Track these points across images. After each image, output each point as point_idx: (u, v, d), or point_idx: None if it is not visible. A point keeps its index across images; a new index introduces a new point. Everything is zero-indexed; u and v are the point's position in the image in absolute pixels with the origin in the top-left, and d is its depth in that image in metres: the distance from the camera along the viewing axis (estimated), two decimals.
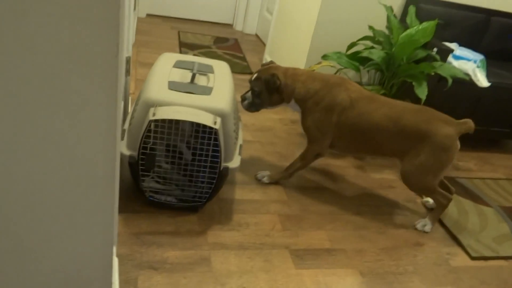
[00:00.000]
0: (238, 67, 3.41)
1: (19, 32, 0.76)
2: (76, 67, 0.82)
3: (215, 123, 1.56)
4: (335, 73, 2.53)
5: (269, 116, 2.74)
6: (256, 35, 4.44)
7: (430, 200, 2.16)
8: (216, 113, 1.60)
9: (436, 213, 2.01)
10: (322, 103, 1.91)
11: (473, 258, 1.88)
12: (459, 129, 1.84)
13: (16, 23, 0.75)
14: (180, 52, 3.48)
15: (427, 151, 1.84)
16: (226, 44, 3.93)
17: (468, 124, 1.86)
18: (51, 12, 0.75)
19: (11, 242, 1.00)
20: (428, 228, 1.99)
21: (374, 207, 2.08)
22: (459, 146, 1.86)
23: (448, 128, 1.84)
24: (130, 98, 2.33)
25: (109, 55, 0.83)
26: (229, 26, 4.52)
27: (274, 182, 2.09)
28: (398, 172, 2.41)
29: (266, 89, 1.95)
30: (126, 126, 1.72)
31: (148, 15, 4.28)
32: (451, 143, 1.83)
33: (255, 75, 2.00)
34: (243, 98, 2.04)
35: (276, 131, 2.57)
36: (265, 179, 2.07)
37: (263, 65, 2.07)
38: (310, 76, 1.97)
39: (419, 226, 2.00)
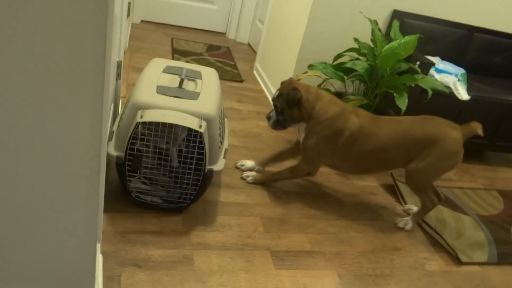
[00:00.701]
0: (229, 75, 3.48)
1: (8, 33, 0.82)
2: (63, 69, 0.88)
3: (200, 126, 1.62)
4: (321, 84, 2.61)
5: (257, 123, 2.81)
6: (248, 44, 4.53)
7: (413, 208, 2.23)
8: (202, 117, 1.66)
9: (419, 215, 2.10)
10: (334, 127, 1.97)
11: (448, 264, 1.95)
12: (465, 133, 1.96)
13: (4, 25, 0.81)
14: (173, 58, 3.55)
15: (435, 154, 1.93)
16: (218, 52, 4.00)
17: (472, 126, 1.96)
18: (39, 14, 0.82)
19: None
20: (409, 227, 2.08)
21: (355, 212, 2.14)
22: (463, 151, 1.97)
23: (455, 132, 1.94)
24: (120, 101, 2.39)
25: (96, 59, 0.90)
26: (222, 34, 4.61)
27: (258, 183, 2.15)
28: (389, 175, 2.49)
29: (287, 104, 1.98)
30: (115, 127, 1.77)
31: (143, 22, 4.35)
32: (459, 148, 1.94)
33: (277, 93, 2.04)
34: (268, 118, 2.08)
35: (263, 138, 2.64)
36: (250, 179, 2.14)
37: (282, 82, 2.12)
38: (331, 99, 2.02)
39: (401, 224, 2.09)
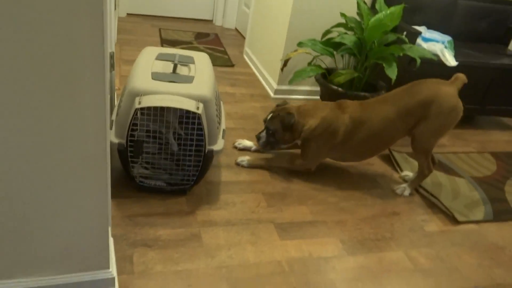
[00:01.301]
0: (220, 61, 3.51)
1: (15, 29, 0.86)
2: (68, 60, 0.92)
3: (197, 108, 1.67)
4: (311, 61, 2.65)
5: (251, 105, 2.85)
6: (236, 29, 4.54)
7: (409, 174, 2.30)
8: (198, 99, 1.71)
9: (416, 181, 2.17)
10: (326, 128, 2.04)
11: (446, 224, 2.02)
12: (456, 85, 2.01)
13: (12, 21, 0.85)
14: None
15: (434, 114, 1.97)
16: (207, 39, 4.02)
17: (459, 77, 2.02)
18: (42, 8, 0.86)
19: (19, 221, 1.10)
20: (407, 192, 2.16)
21: (353, 183, 2.20)
22: (460, 102, 2.00)
23: (446, 87, 1.98)
24: (115, 93, 2.42)
25: (97, 49, 0.94)
26: (209, 21, 4.62)
27: (254, 167, 2.19)
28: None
29: (281, 127, 2.06)
30: (114, 117, 1.81)
31: (129, 15, 4.35)
32: (455, 100, 1.98)
33: (270, 115, 2.11)
34: (258, 138, 2.15)
35: (259, 118, 2.69)
36: (245, 163, 2.18)
37: (278, 105, 2.18)
38: (315, 105, 2.09)
39: (399, 190, 2.17)
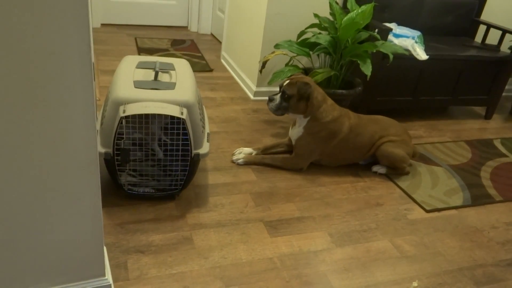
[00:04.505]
0: (198, 66, 3.54)
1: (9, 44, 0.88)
2: (59, 72, 0.95)
3: (182, 113, 1.70)
4: (289, 62, 2.71)
5: (232, 108, 2.89)
6: (212, 34, 4.58)
7: (380, 169, 2.37)
8: (182, 104, 1.74)
9: (393, 172, 2.34)
10: (332, 129, 2.19)
11: (427, 211, 2.10)
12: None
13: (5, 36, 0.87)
14: None
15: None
16: (183, 45, 4.04)
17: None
18: (32, 21, 0.88)
19: (15, 234, 1.11)
20: (382, 170, 2.34)
21: (336, 177, 2.27)
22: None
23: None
24: (96, 104, 2.43)
25: (84, 58, 0.97)
26: (184, 28, 4.64)
27: (249, 164, 2.26)
28: None
29: (298, 94, 2.15)
30: (98, 127, 1.82)
31: (103, 25, 4.34)
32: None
33: (287, 81, 2.21)
34: (271, 99, 2.24)
35: (240, 121, 2.73)
36: (241, 161, 2.25)
37: (293, 74, 2.31)
38: (333, 104, 2.23)
39: (375, 168, 2.35)
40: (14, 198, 1.07)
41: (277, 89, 3.12)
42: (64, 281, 1.26)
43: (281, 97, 2.20)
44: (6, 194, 1.05)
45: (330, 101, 2.22)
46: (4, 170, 1.02)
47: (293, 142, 2.26)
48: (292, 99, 2.17)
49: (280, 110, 2.23)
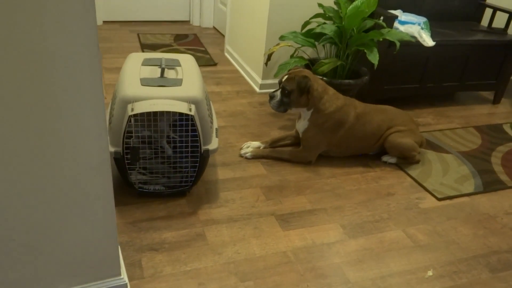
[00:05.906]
0: (202, 60, 3.52)
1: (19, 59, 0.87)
2: (70, 72, 0.94)
3: (190, 110, 1.69)
4: (294, 53, 2.68)
5: (239, 102, 2.88)
6: (214, 28, 4.55)
7: (390, 159, 2.35)
8: (190, 101, 1.73)
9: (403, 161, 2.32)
10: (337, 119, 2.17)
11: (439, 199, 2.09)
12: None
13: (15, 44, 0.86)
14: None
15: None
16: (186, 40, 4.02)
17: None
18: (42, 24, 0.87)
19: (32, 237, 1.11)
20: (393, 160, 2.32)
21: (346, 168, 2.26)
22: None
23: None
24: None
25: (93, 59, 0.96)
26: (187, 22, 4.61)
27: (257, 158, 2.25)
28: None
29: (298, 88, 2.12)
30: (106, 126, 1.82)
31: (105, 22, 4.32)
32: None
33: (286, 76, 2.18)
34: (271, 96, 2.22)
35: (247, 114, 2.72)
36: (249, 155, 2.24)
37: (291, 69, 2.27)
38: (335, 93, 2.21)
39: (385, 158, 2.33)
40: (29, 202, 1.07)
41: None
42: (81, 282, 1.26)
43: (282, 93, 2.18)
44: (22, 198, 1.05)
45: (332, 91, 2.19)
46: (18, 173, 1.02)
47: (300, 135, 2.24)
48: (293, 94, 2.14)
49: (282, 106, 2.20)
